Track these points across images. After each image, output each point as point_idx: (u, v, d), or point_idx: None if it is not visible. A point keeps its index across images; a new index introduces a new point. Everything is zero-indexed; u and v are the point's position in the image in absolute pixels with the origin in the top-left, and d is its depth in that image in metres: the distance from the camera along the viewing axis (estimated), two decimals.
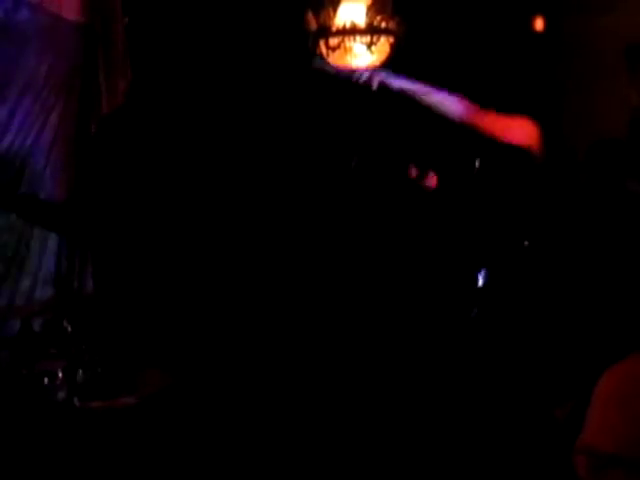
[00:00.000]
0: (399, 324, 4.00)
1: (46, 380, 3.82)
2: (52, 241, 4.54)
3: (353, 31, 4.67)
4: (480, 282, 4.13)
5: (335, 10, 4.71)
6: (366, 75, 4.66)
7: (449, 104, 4.38)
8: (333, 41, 4.69)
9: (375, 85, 4.65)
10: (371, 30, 4.67)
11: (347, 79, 4.62)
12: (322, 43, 4.71)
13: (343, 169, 4.49)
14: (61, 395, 3.82)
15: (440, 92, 4.41)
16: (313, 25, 4.72)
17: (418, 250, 4.38)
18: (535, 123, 4.30)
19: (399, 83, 4.58)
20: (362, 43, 4.69)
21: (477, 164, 4.39)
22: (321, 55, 4.70)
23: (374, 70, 4.66)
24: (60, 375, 3.84)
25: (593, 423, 2.14)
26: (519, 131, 4.27)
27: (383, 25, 4.69)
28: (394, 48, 4.72)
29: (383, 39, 4.70)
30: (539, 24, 4.93)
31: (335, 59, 4.74)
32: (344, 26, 4.69)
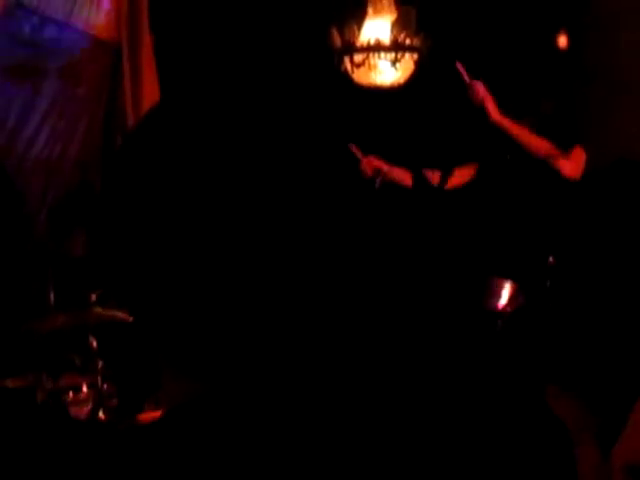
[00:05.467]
0: (415, 331, 3.99)
1: (71, 394, 3.80)
2: None
3: (378, 48, 4.67)
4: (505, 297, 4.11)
5: (360, 27, 4.71)
6: None
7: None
8: (358, 58, 4.69)
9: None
10: (396, 47, 4.67)
11: None
12: (347, 60, 4.72)
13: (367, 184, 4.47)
14: (86, 410, 3.80)
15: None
16: (338, 42, 4.73)
17: (440, 261, 4.37)
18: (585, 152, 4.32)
19: None
20: (387, 60, 4.69)
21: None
22: (346, 71, 4.70)
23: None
24: (85, 389, 3.83)
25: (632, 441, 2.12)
26: (577, 164, 4.29)
27: (407, 42, 4.69)
28: (418, 64, 4.73)
29: (407, 56, 4.70)
30: (562, 42, 4.93)
31: (359, 76, 4.74)
32: (369, 43, 4.69)
